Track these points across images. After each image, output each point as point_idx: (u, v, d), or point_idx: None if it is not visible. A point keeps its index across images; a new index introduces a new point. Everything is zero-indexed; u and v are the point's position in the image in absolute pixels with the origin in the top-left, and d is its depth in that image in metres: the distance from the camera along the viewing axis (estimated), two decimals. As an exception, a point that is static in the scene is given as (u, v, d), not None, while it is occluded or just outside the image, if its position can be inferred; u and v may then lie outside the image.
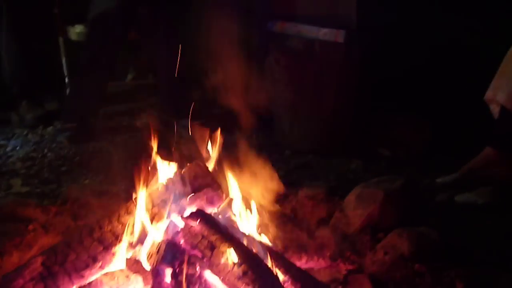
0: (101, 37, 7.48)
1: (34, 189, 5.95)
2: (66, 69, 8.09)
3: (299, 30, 6.95)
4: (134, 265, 4.14)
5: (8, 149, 7.14)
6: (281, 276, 3.75)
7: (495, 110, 5.62)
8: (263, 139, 6.63)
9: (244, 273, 3.59)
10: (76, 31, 8.00)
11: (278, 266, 3.81)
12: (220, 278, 3.64)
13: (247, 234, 4.00)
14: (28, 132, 7.78)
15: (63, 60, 8.12)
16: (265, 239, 4.13)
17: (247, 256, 3.69)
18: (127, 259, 4.12)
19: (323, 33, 6.83)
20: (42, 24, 8.21)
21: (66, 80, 8.08)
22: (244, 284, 3.59)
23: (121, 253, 4.03)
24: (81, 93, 7.84)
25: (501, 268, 4.25)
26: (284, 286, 3.70)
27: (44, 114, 8.23)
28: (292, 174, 6.26)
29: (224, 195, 4.10)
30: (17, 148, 7.14)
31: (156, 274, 3.73)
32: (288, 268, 3.83)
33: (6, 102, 8.56)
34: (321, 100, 7.02)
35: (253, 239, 3.97)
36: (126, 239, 4.03)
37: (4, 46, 8.29)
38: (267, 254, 3.81)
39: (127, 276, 4.17)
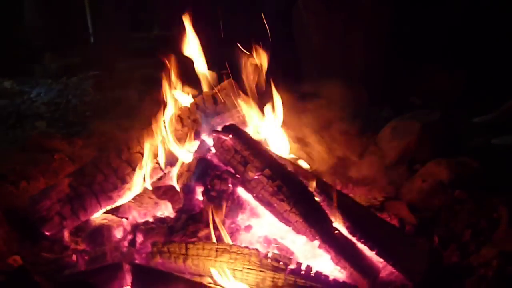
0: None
1: (59, 131, 5.81)
2: (90, 18, 7.91)
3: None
4: (162, 193, 4.00)
5: (32, 95, 7.06)
6: (316, 197, 3.54)
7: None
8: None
9: (279, 189, 3.42)
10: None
11: (314, 184, 3.61)
12: (253, 194, 3.48)
13: (281, 154, 3.81)
14: (52, 81, 7.65)
15: (87, 9, 7.93)
16: (300, 162, 3.95)
17: (282, 172, 3.52)
18: (154, 188, 3.98)
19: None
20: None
21: (90, 29, 7.90)
22: (278, 200, 3.43)
23: (149, 175, 3.86)
24: (106, 41, 7.70)
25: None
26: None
27: (68, 65, 8.10)
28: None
29: (257, 115, 3.90)
30: (41, 94, 7.06)
31: (187, 191, 3.59)
32: (324, 188, 3.64)
33: (29, 54, 8.43)
34: (350, 47, 6.76)
35: (287, 159, 3.78)
36: (154, 160, 3.85)
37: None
38: (302, 174, 3.61)
39: (156, 203, 4.02)
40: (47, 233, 3.79)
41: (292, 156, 3.91)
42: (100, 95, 6.85)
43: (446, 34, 6.87)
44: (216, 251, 3.15)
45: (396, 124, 4.75)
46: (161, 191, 4.31)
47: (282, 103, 3.98)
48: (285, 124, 4.06)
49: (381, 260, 3.42)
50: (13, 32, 8.55)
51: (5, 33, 8.54)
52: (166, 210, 3.98)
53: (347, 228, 3.46)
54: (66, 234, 3.79)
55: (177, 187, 3.74)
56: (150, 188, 3.86)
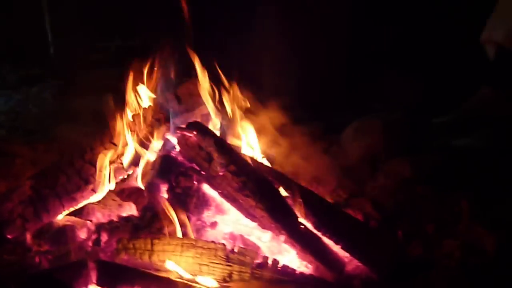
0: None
1: (20, 138, 5.67)
2: (49, 28, 7.83)
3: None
4: (126, 195, 3.97)
5: (-10, 105, 6.89)
6: (283, 193, 3.55)
7: (491, 50, 5.51)
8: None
9: (244, 185, 3.43)
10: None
11: (279, 183, 3.62)
12: (218, 191, 3.48)
13: (246, 152, 3.83)
14: (11, 92, 7.52)
15: (46, 19, 7.86)
16: (265, 161, 3.97)
17: (247, 168, 3.53)
18: (118, 191, 3.95)
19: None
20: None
21: (50, 39, 7.83)
22: (243, 196, 3.43)
23: (112, 176, 3.83)
24: (66, 51, 7.63)
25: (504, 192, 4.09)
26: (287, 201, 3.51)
27: (27, 75, 8.00)
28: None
29: (220, 114, 3.90)
30: (0, 104, 6.88)
31: (152, 189, 3.56)
32: (289, 185, 3.66)
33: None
34: (310, 53, 6.82)
35: (252, 156, 3.80)
36: (117, 161, 3.83)
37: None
38: (266, 171, 3.63)
39: (120, 205, 3.99)
40: (8, 236, 3.69)
41: (256, 154, 3.89)
42: (61, 104, 6.74)
43: (403, 38, 6.96)
44: (182, 246, 3.14)
45: (358, 125, 4.81)
46: (125, 193, 4.27)
47: (243, 106, 3.99)
48: (246, 125, 4.06)
49: (347, 254, 3.41)
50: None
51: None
52: (130, 211, 3.94)
53: (312, 223, 3.49)
54: (28, 236, 3.72)
55: (142, 186, 3.70)
56: (113, 188, 3.79)
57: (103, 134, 3.88)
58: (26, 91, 7.53)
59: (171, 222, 3.37)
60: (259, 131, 4.27)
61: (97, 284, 2.95)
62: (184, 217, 3.36)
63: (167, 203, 3.41)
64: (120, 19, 8.46)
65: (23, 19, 8.26)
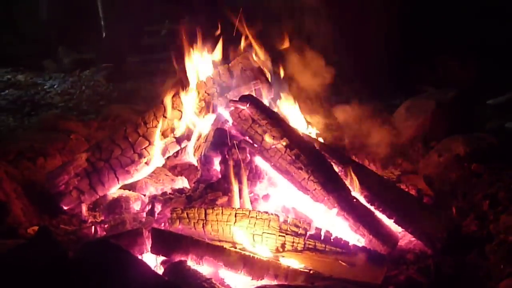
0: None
1: (74, 117, 5.78)
2: (102, 11, 7.95)
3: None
4: (178, 172, 4.01)
5: (46, 86, 7.11)
6: (335, 167, 3.54)
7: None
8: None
9: (297, 158, 3.42)
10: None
11: (332, 157, 3.61)
12: (271, 164, 3.48)
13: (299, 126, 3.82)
14: (65, 75, 7.68)
15: (99, 4, 7.98)
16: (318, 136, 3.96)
17: (300, 141, 3.52)
18: (170, 167, 3.99)
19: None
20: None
21: (103, 22, 7.95)
22: (296, 169, 3.43)
23: (166, 149, 3.87)
24: (118, 34, 7.74)
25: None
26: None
27: (81, 59, 8.14)
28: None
29: (273, 89, 3.90)
30: (55, 86, 7.11)
31: (205, 161, 3.59)
32: (342, 159, 3.64)
33: (42, 50, 8.48)
34: (362, 36, 6.75)
35: (305, 130, 3.79)
36: (171, 135, 3.86)
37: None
38: (321, 144, 3.62)
39: (173, 180, 4.04)
40: (65, 207, 3.77)
41: (309, 128, 3.89)
42: (113, 86, 6.84)
43: (457, 22, 6.82)
44: (235, 216, 3.14)
45: (411, 104, 4.76)
46: (177, 170, 4.32)
47: (297, 80, 3.98)
48: (301, 101, 4.06)
49: (400, 229, 3.38)
50: (26, 28, 8.59)
51: (19, 29, 8.59)
52: (183, 184, 3.98)
53: (365, 197, 3.46)
54: (84, 208, 3.79)
55: (195, 160, 3.73)
56: (163, 162, 3.84)
57: (157, 109, 3.90)
58: (79, 73, 7.61)
59: (224, 193, 3.37)
60: (313, 106, 4.26)
61: (152, 252, 2.97)
62: (238, 188, 3.35)
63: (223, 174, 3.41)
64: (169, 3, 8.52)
65: (77, 5, 8.37)
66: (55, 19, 8.35)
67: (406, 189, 3.85)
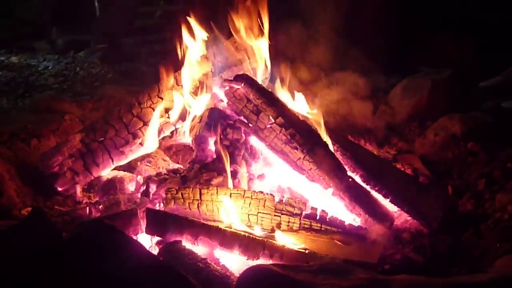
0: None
1: (68, 98, 5.73)
2: (95, -6, 7.90)
3: None
4: (173, 152, 3.99)
5: (40, 68, 7.05)
6: (330, 146, 3.52)
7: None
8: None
9: (292, 137, 3.40)
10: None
11: (327, 136, 3.58)
12: (266, 143, 3.46)
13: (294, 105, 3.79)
14: (59, 56, 7.62)
15: (93, -15, 7.93)
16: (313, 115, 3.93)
17: (295, 121, 3.50)
18: (165, 148, 3.97)
19: None
20: None
21: (96, 3, 7.89)
22: (291, 149, 3.41)
23: (161, 130, 3.84)
24: (112, 15, 7.69)
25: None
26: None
27: (74, 40, 8.08)
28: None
29: (268, 69, 3.87)
30: (49, 67, 7.04)
31: (200, 141, 3.56)
32: (337, 138, 3.62)
33: (36, 32, 8.43)
34: (359, 16, 6.69)
35: (300, 111, 3.76)
36: (165, 115, 3.84)
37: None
38: (316, 124, 3.59)
39: (169, 164, 4.01)
40: (59, 188, 3.75)
41: (304, 107, 3.86)
42: (107, 67, 6.79)
43: (453, 1, 6.78)
44: (230, 196, 3.12)
45: (407, 83, 4.74)
46: (173, 150, 4.30)
47: (294, 59, 3.95)
48: (295, 79, 4.03)
49: (396, 208, 3.37)
50: (19, 10, 8.52)
51: (11, 11, 8.52)
52: (178, 165, 3.96)
53: (361, 176, 3.46)
54: (78, 189, 3.78)
55: (190, 140, 3.71)
56: (160, 142, 3.82)
57: (152, 90, 3.87)
58: (73, 55, 7.56)
59: (219, 173, 3.35)
60: (308, 85, 4.24)
61: (147, 232, 2.96)
62: (232, 168, 3.33)
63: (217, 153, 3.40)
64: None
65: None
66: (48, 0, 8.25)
67: (402, 169, 3.85)
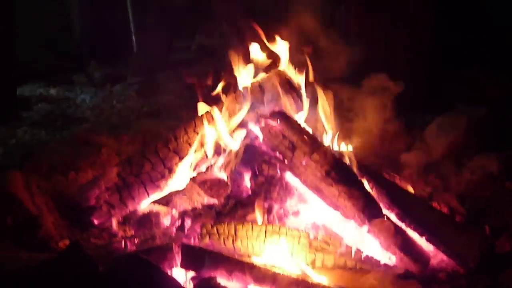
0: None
1: (105, 131, 5.83)
2: (133, 27, 8.05)
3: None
4: (208, 187, 4.00)
5: (78, 101, 7.20)
6: (366, 183, 3.51)
7: None
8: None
9: (327, 173, 3.41)
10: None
11: (362, 173, 3.58)
12: (301, 179, 3.47)
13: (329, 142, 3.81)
14: (96, 89, 7.75)
15: (131, 20, 8.07)
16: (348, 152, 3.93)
17: (330, 157, 3.51)
18: (200, 182, 3.99)
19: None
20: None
21: (134, 37, 8.04)
22: (326, 185, 3.41)
23: (197, 165, 3.88)
24: (148, 49, 7.82)
25: None
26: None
27: (111, 73, 8.22)
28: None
29: (304, 105, 3.90)
30: (87, 100, 7.19)
31: (235, 177, 3.58)
32: (373, 176, 3.62)
33: (74, 65, 8.60)
34: (393, 52, 6.70)
35: (336, 147, 3.78)
36: (201, 150, 3.87)
37: (77, 9, 8.38)
38: (351, 160, 3.59)
39: (200, 195, 4.02)
40: (95, 221, 3.79)
41: (339, 144, 3.87)
42: (143, 101, 6.89)
43: (491, 37, 6.74)
44: (265, 232, 3.12)
45: (442, 120, 4.72)
46: (207, 185, 4.31)
47: (327, 96, 3.97)
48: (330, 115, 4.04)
49: (432, 247, 3.34)
50: (59, 43, 8.71)
51: (52, 44, 8.72)
52: (213, 199, 3.97)
53: (396, 214, 3.43)
54: (114, 222, 3.80)
55: (225, 175, 3.73)
56: (196, 177, 3.85)
57: (188, 124, 3.91)
58: (110, 88, 7.69)
59: (254, 209, 3.36)
60: (344, 122, 4.25)
61: (181, 267, 2.97)
62: (267, 205, 3.34)
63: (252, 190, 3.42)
64: (199, 20, 8.57)
65: (109, 20, 8.48)
66: (86, 34, 8.44)
67: (438, 207, 3.80)
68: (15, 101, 6.80)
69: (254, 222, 3.34)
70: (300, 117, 3.92)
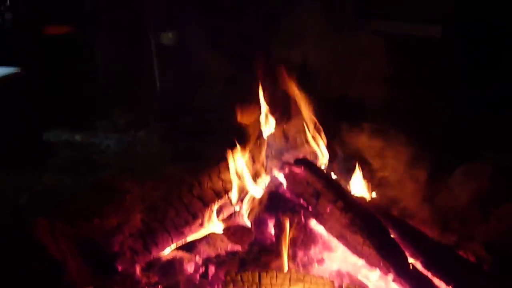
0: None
1: (129, 177, 5.86)
2: (158, 73, 8.16)
3: (393, 27, 6.69)
4: (231, 233, 4.01)
5: (102, 147, 7.25)
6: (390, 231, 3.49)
7: None
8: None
9: (352, 221, 3.40)
10: (169, 36, 8.08)
11: (387, 221, 3.57)
12: (326, 227, 3.46)
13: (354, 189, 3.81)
14: (120, 135, 7.83)
15: (155, 64, 8.19)
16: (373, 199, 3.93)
17: (355, 204, 3.50)
18: (224, 229, 4.00)
19: (418, 29, 6.56)
20: (136, 32, 8.38)
21: (158, 83, 8.15)
22: (351, 233, 3.40)
23: (221, 211, 3.88)
24: (172, 94, 7.92)
25: None
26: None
27: (136, 119, 8.30)
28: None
29: (327, 153, 3.91)
30: (111, 146, 7.22)
31: (259, 223, 3.58)
32: (398, 223, 3.60)
33: (98, 111, 8.71)
34: (416, 97, 6.72)
35: (358, 195, 3.77)
36: (225, 197, 3.88)
37: (101, 55, 8.53)
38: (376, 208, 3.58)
39: (223, 241, 4.03)
40: (119, 268, 3.79)
41: (364, 192, 3.86)
42: (167, 146, 6.94)
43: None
44: (290, 280, 3.10)
45: (467, 168, 4.69)
46: (231, 231, 4.31)
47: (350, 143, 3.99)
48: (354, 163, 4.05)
49: (459, 297, 3.29)
50: (84, 90, 8.84)
51: (75, 90, 8.85)
52: (237, 246, 3.97)
53: (422, 262, 3.40)
54: (138, 269, 3.79)
55: (248, 222, 3.73)
56: (220, 224, 3.85)
57: (212, 170, 3.93)
58: (134, 134, 7.75)
59: (278, 256, 3.34)
60: (367, 169, 4.24)
61: (205, 315, 2.95)
62: (292, 252, 3.33)
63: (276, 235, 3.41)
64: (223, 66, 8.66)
65: (133, 66, 8.61)
66: (110, 80, 8.56)
67: (465, 256, 3.74)
68: (41, 147, 6.88)
69: (278, 269, 3.31)
70: (324, 164, 3.92)
